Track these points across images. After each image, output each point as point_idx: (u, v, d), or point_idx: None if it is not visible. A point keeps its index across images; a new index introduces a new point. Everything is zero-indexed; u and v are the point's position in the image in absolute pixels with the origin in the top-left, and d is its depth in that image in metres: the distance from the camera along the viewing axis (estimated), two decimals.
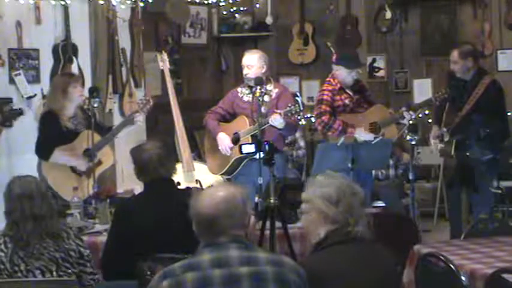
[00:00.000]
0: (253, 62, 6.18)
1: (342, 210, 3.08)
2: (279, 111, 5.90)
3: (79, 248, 4.07)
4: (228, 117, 6.38)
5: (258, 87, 5.60)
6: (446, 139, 6.53)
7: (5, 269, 3.97)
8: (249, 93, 6.24)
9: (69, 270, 4.00)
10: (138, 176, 4.38)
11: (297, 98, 5.95)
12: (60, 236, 4.04)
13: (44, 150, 6.02)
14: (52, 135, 5.99)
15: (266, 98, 5.89)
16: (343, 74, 6.46)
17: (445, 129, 6.53)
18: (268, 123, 5.87)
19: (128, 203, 4.60)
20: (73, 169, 6.04)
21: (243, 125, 6.21)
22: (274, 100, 6.14)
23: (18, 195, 4.02)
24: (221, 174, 6.34)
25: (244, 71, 6.21)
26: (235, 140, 6.21)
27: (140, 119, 6.12)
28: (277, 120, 5.89)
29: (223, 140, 6.25)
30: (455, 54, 6.54)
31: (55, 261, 3.99)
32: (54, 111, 6.02)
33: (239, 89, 6.37)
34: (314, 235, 3.12)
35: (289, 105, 5.85)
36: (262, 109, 5.62)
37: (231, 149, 6.20)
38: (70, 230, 4.13)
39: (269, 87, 6.18)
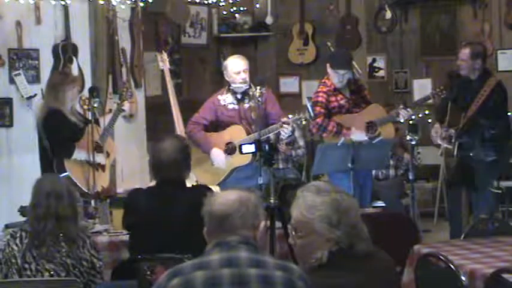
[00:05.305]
0: (247, 66, 6.12)
1: (345, 231, 2.86)
2: (289, 120, 5.86)
3: (92, 259, 4.05)
4: (210, 128, 6.24)
5: (258, 88, 5.52)
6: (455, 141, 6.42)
7: (16, 263, 3.96)
8: (233, 101, 6.12)
9: (78, 279, 3.98)
10: (152, 172, 4.39)
11: (307, 104, 5.88)
12: (75, 243, 4.02)
13: (66, 148, 5.96)
14: (67, 131, 5.97)
15: (252, 103, 5.83)
16: (332, 74, 6.33)
17: (453, 131, 6.41)
18: (270, 132, 5.85)
19: (137, 194, 4.47)
20: (90, 164, 6.01)
21: (238, 134, 6.09)
22: (263, 104, 5.93)
23: (48, 191, 4.03)
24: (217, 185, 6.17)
25: (241, 76, 6.07)
26: (231, 150, 6.11)
27: (126, 105, 6.62)
28: (287, 132, 5.89)
29: (219, 156, 6.13)
30: (466, 53, 6.45)
31: (65, 267, 3.97)
32: (57, 109, 5.99)
33: (220, 97, 6.22)
34: (312, 257, 2.88)
35: (298, 113, 5.83)
36: (252, 115, 5.57)
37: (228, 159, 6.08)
38: (87, 238, 4.12)
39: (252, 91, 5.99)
